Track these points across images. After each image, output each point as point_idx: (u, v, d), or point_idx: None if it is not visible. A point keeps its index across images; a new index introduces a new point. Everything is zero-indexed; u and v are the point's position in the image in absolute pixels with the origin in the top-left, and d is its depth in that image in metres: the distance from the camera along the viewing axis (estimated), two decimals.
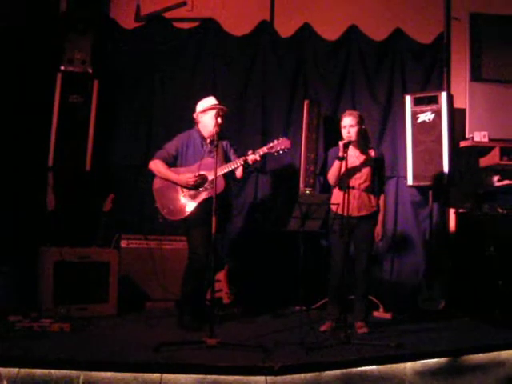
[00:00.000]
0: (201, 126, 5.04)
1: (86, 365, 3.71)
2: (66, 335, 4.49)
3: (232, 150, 5.13)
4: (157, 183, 5.02)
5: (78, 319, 4.86)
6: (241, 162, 4.82)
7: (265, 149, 4.79)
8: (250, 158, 4.77)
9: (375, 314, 5.76)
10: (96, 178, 5.98)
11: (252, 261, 6.21)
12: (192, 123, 5.17)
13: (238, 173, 4.98)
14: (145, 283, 5.75)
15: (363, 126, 4.96)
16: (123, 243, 5.82)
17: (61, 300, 5.03)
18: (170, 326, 4.93)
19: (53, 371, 3.66)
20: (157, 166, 5.00)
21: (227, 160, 5.01)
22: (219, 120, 4.79)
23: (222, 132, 4.90)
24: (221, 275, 5.84)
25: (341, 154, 4.62)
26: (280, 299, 5.90)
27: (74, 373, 3.67)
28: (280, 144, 4.78)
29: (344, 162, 4.58)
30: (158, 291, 5.72)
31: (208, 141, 5.00)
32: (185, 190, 4.92)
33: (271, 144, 4.80)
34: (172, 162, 5.03)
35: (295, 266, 4.81)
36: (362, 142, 4.99)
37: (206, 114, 4.97)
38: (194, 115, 5.07)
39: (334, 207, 4.75)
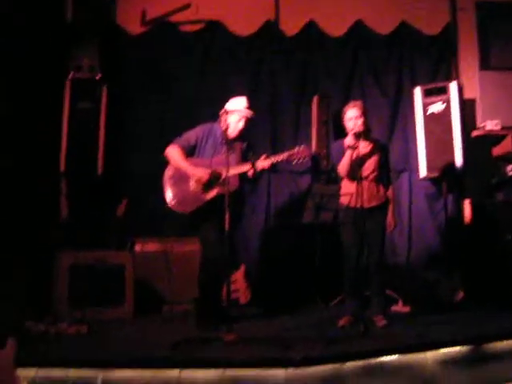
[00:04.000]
0: (223, 122, 4.89)
1: (104, 364, 3.68)
2: (83, 337, 4.48)
3: (251, 153, 5.02)
4: (170, 171, 4.91)
5: (94, 322, 4.81)
6: (248, 166, 4.76)
7: (285, 155, 4.68)
8: (259, 164, 4.71)
9: (393, 308, 5.67)
10: (109, 183, 5.99)
11: (269, 259, 6.20)
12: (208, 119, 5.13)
13: (250, 173, 4.91)
14: (160, 286, 5.71)
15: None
16: (137, 247, 5.79)
17: (76, 303, 5.03)
18: (186, 326, 4.87)
19: (71, 371, 3.65)
20: (173, 152, 4.90)
21: (244, 160, 4.92)
22: (240, 125, 4.83)
23: (242, 135, 4.91)
24: (237, 275, 5.81)
25: (352, 143, 4.59)
26: (298, 296, 5.84)
27: (92, 372, 3.64)
28: (301, 152, 4.66)
29: (355, 152, 4.55)
30: (174, 294, 5.66)
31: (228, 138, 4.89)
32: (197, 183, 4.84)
33: (290, 152, 4.69)
34: (189, 152, 4.92)
35: (312, 263, 4.80)
36: (367, 131, 4.96)
37: (232, 114, 4.86)
38: (221, 112, 4.92)
39: (343, 199, 4.71)
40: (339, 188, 4.93)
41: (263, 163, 4.70)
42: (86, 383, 3.62)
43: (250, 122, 4.94)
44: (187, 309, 5.42)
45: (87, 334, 4.55)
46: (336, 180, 5.06)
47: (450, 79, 6.46)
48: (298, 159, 4.70)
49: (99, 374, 3.63)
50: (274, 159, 4.71)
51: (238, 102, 4.94)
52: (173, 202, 4.84)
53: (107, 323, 4.94)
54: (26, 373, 3.54)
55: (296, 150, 4.69)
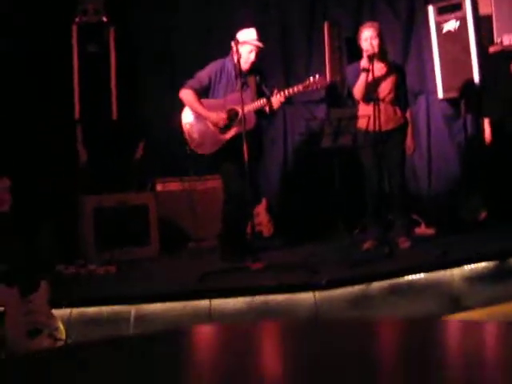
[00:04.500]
0: (235, 53, 4.70)
1: (135, 300, 3.77)
2: (113, 277, 4.59)
3: (264, 85, 4.90)
4: (187, 112, 4.84)
5: (122, 262, 4.89)
6: (264, 101, 4.65)
7: (300, 87, 4.58)
8: (275, 99, 4.61)
9: (417, 230, 5.68)
10: (125, 127, 5.97)
11: (289, 190, 6.25)
12: (219, 55, 5.02)
13: (267, 108, 4.75)
14: (184, 224, 5.76)
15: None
16: (159, 187, 5.83)
17: (104, 245, 5.08)
18: (212, 260, 4.92)
19: (104, 308, 3.74)
20: (187, 96, 4.79)
21: (260, 94, 4.81)
22: (252, 56, 4.69)
23: (254, 68, 4.80)
24: (259, 209, 5.84)
25: (366, 65, 4.52)
26: (320, 225, 5.88)
27: (124, 308, 3.73)
28: (316, 83, 4.56)
29: (370, 74, 4.48)
30: (199, 231, 5.70)
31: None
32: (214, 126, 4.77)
33: (305, 83, 4.58)
34: (203, 93, 4.81)
35: (333, 189, 4.81)
36: (382, 53, 4.86)
37: (242, 46, 4.68)
38: (232, 43, 4.66)
39: (361, 123, 4.67)
40: (357, 111, 4.88)
41: (279, 97, 4.62)
42: (120, 319, 3.71)
43: (260, 54, 4.84)
44: (212, 244, 5.46)
45: (116, 273, 4.65)
46: (354, 104, 5.01)
47: None
48: (314, 89, 4.64)
49: (132, 309, 3.72)
50: (289, 92, 4.63)
51: (248, 33, 4.81)
52: (193, 144, 4.81)
53: (135, 262, 5.03)
54: (60, 312, 3.62)
55: (311, 80, 4.60)
